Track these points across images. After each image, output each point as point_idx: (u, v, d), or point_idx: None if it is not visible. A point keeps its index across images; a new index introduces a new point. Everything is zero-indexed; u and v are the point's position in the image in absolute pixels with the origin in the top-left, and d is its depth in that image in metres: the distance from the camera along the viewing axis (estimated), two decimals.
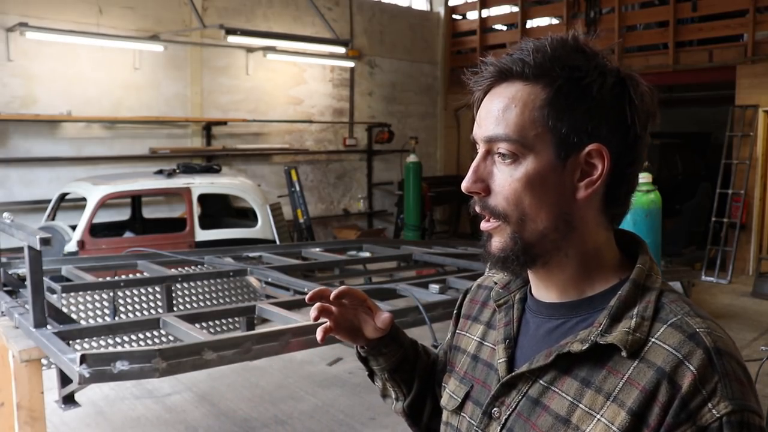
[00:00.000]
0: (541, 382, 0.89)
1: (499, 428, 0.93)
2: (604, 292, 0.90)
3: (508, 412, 0.92)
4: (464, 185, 0.91)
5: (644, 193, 4.54)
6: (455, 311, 1.17)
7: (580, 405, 0.84)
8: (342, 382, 4.99)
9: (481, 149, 0.92)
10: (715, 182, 8.92)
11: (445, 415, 1.08)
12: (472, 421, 0.98)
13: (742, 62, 8.71)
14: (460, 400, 1.03)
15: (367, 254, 5.15)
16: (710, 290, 8.01)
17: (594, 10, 10.08)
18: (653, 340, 0.83)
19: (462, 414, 1.02)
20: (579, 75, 0.86)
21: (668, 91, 11.69)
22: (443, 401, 1.08)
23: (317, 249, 5.14)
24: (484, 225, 0.92)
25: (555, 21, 11.39)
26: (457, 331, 1.13)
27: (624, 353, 0.82)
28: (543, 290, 0.96)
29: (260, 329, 2.88)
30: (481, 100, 0.93)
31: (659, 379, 0.79)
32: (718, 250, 8.70)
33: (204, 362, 2.45)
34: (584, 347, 0.84)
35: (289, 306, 3.27)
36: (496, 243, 0.91)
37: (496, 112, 0.89)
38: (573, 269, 0.92)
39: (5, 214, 3.22)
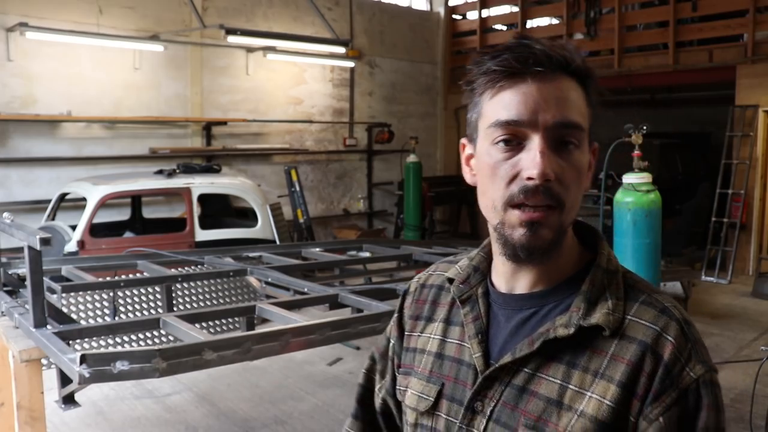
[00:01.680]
0: (526, 370, 0.91)
1: (484, 420, 0.93)
2: (569, 279, 0.95)
3: (492, 404, 0.93)
4: (542, 172, 0.85)
5: (644, 193, 4.53)
6: (397, 314, 1.15)
7: (570, 386, 0.88)
8: (342, 382, 4.98)
9: (541, 134, 0.87)
10: (715, 182, 8.91)
11: (412, 416, 1.04)
12: (452, 419, 0.98)
13: (742, 62, 8.71)
14: (433, 400, 1.01)
15: (367, 254, 5.14)
16: (710, 290, 8.01)
17: (594, 10, 10.08)
18: (629, 317, 0.89)
19: (437, 413, 1.00)
20: (596, 82, 0.94)
21: (668, 91, 11.70)
22: (411, 402, 1.05)
23: (317, 249, 5.13)
24: (533, 215, 0.87)
25: (555, 21, 11.39)
26: (407, 332, 1.11)
27: (606, 332, 0.88)
28: (514, 282, 0.97)
29: (260, 329, 2.88)
30: (526, 82, 0.88)
31: (643, 352, 0.86)
32: (718, 250, 8.70)
33: (204, 362, 2.45)
34: (570, 331, 0.88)
35: (289, 306, 3.27)
36: (547, 233, 0.89)
37: (571, 101, 0.89)
38: (556, 258, 0.94)
39: (5, 214, 3.21)
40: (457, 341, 1.01)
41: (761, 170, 8.69)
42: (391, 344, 1.15)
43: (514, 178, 0.88)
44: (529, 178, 0.86)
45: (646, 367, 0.85)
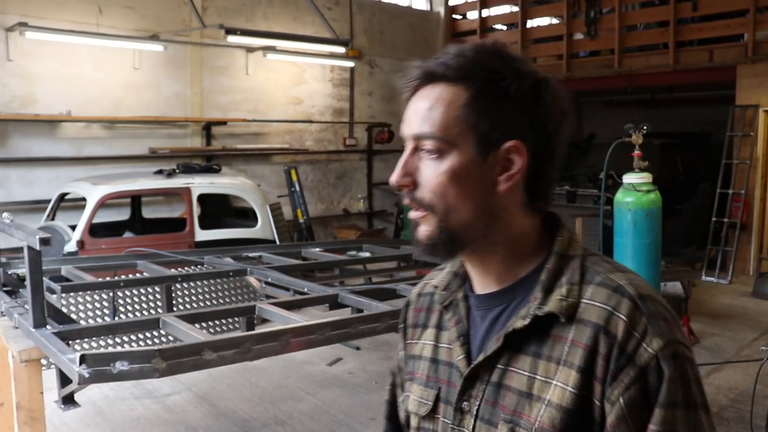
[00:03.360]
0: (499, 366, 0.94)
1: (472, 420, 0.96)
2: (534, 270, 0.96)
3: (477, 403, 0.96)
4: (393, 180, 0.96)
5: (644, 193, 4.52)
6: (401, 325, 1.19)
7: (537, 376, 0.90)
8: (342, 382, 4.98)
9: (408, 146, 0.97)
10: (715, 182, 8.91)
11: (415, 421, 1.08)
12: (447, 420, 1.00)
13: (742, 62, 8.70)
14: (431, 404, 1.04)
15: (367, 254, 5.14)
16: (710, 290, 8.01)
17: (594, 10, 10.08)
18: (585, 301, 0.90)
19: (436, 416, 1.03)
20: (497, 77, 0.92)
21: (668, 91, 11.70)
22: (411, 407, 1.08)
23: (317, 249, 5.13)
24: (412, 214, 0.97)
25: (555, 21, 11.38)
26: (408, 341, 1.15)
27: (562, 319, 0.89)
28: (482, 281, 1.01)
29: (260, 329, 2.88)
30: (408, 101, 0.99)
31: (596, 334, 0.86)
32: (719, 250, 8.70)
33: (204, 362, 2.44)
34: (526, 322, 0.90)
35: (289, 306, 3.27)
36: (423, 231, 0.95)
37: (422, 112, 0.94)
38: (503, 255, 0.97)
39: (5, 214, 3.21)
40: (447, 345, 1.04)
41: (761, 170, 8.69)
42: (400, 356, 1.19)
43: None
44: None
45: (601, 349, 0.85)
